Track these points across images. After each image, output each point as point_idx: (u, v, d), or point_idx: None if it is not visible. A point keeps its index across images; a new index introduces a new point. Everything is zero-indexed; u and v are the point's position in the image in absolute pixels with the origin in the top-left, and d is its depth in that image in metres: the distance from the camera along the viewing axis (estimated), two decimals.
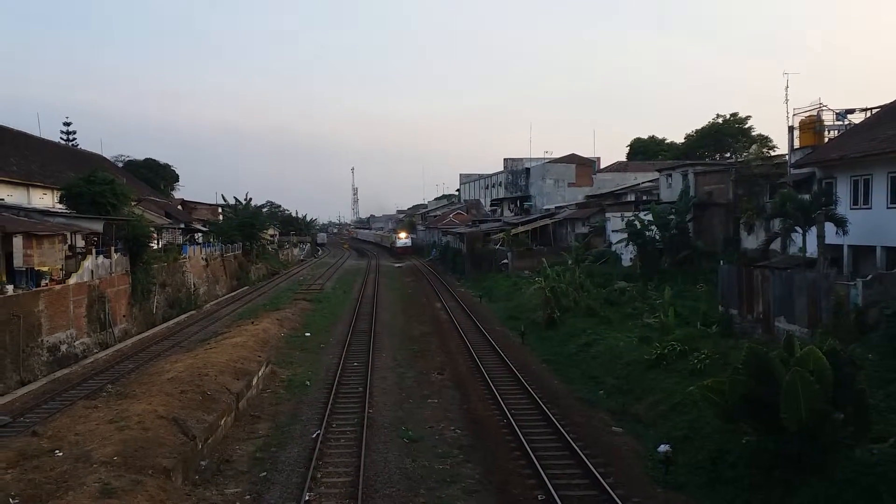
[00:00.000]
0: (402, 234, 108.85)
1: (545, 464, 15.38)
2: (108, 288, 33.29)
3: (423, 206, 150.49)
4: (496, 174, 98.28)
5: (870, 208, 23.83)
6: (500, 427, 18.69)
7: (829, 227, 23.41)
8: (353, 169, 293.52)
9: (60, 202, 37.51)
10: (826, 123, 28.75)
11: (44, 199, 39.55)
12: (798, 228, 24.60)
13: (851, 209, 24.28)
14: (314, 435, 17.88)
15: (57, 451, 13.81)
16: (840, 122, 28.90)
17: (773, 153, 48.71)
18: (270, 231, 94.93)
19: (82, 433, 14.95)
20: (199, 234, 62.09)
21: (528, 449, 16.30)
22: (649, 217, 37.34)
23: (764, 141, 71.96)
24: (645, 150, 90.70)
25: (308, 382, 23.94)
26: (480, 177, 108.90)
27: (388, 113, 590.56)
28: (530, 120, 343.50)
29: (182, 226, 58.06)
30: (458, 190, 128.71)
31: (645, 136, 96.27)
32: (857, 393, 12.80)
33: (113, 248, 34.88)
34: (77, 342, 29.64)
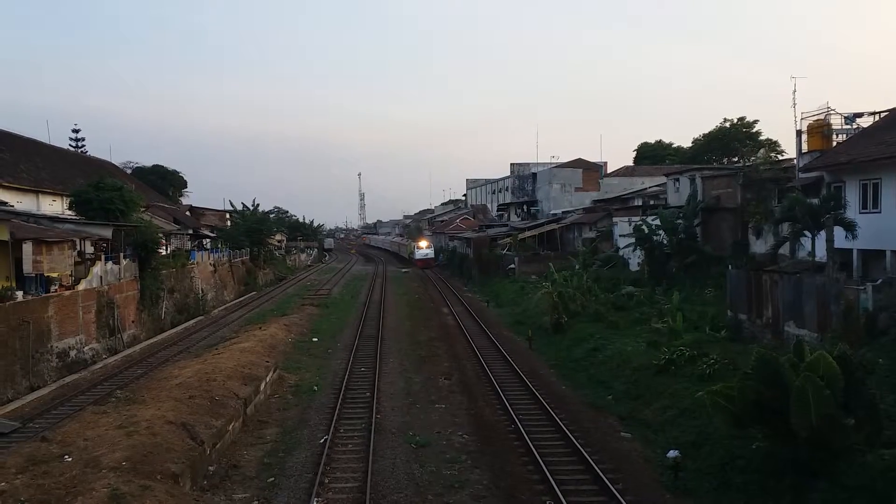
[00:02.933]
0: (423, 243, 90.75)
1: (553, 469, 15.33)
2: (116, 294, 33.45)
3: (430, 210, 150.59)
4: (503, 179, 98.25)
5: (879, 212, 23.69)
6: (507, 432, 18.65)
7: (839, 232, 23.27)
8: (359, 174, 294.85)
9: (70, 208, 37.77)
10: (834, 127, 28.59)
11: (53, 206, 39.83)
12: (807, 233, 24.46)
13: (861, 213, 24.14)
14: (322, 440, 17.88)
15: (66, 457, 13.86)
16: (848, 126, 28.75)
17: (781, 157, 48.50)
18: (278, 236, 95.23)
19: (91, 438, 15.01)
20: (207, 240, 62.32)
21: (537, 454, 16.26)
22: (657, 222, 37.24)
23: (772, 145, 71.68)
24: (652, 155, 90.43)
25: (316, 387, 23.97)
26: (487, 182, 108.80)
27: (395, 118, 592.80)
28: (537, 124, 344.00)
29: (190, 231, 58.29)
30: (464, 195, 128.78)
31: (652, 141, 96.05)
32: (867, 398, 12.71)
33: (122, 254, 35.06)
34: (86, 348, 29.78)
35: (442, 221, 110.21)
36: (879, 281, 19.35)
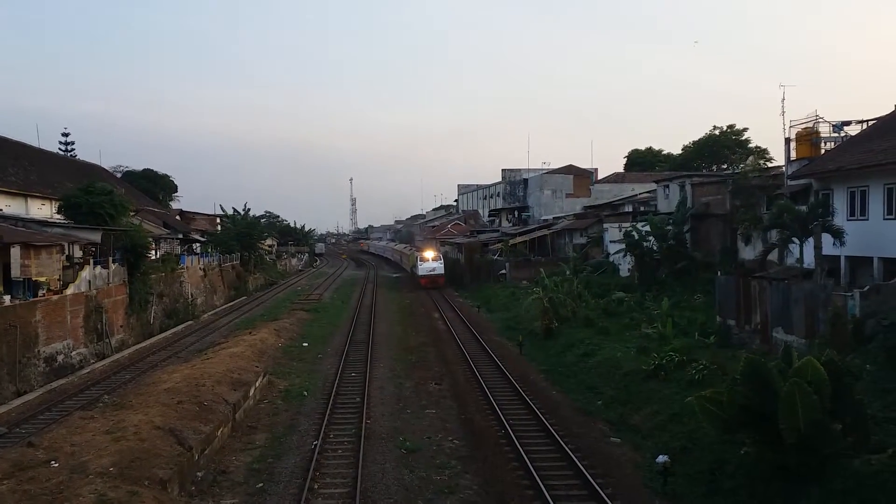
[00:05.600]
0: (429, 253, 67.63)
1: (543, 475, 15.33)
2: (105, 298, 33.24)
3: (422, 216, 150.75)
4: (494, 185, 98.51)
5: (867, 219, 23.92)
6: (498, 437, 18.63)
7: (827, 238, 23.47)
8: (351, 179, 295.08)
9: (59, 213, 37.52)
10: (823, 135, 28.89)
11: (42, 210, 39.57)
12: (795, 239, 24.66)
13: (848, 220, 24.37)
14: (312, 445, 17.81)
15: (53, 463, 13.75)
16: (836, 134, 29.04)
17: (769, 164, 48.93)
18: (268, 241, 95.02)
19: (78, 444, 14.89)
20: (198, 245, 62.09)
21: (526, 459, 16.26)
22: (647, 228, 37.46)
23: (761, 152, 72.31)
24: (642, 162, 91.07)
25: (305, 393, 23.88)
26: (479, 187, 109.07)
27: (387, 123, 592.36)
28: (528, 131, 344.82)
29: (180, 236, 58.07)
30: (456, 200, 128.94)
31: (642, 148, 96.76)
32: (855, 403, 12.81)
33: (111, 259, 34.87)
34: (74, 353, 29.56)
35: (433, 227, 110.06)
36: (867, 287, 19.50)
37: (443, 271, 64.77)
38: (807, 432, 12.09)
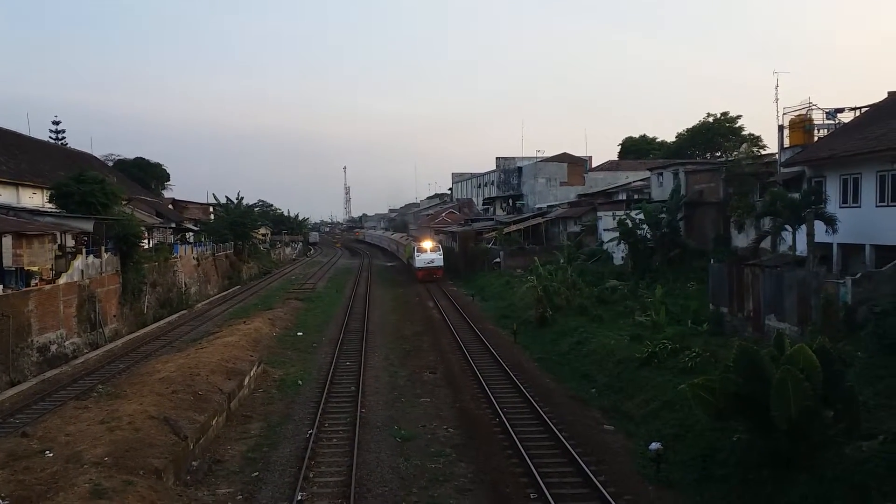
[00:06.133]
0: (427, 244, 63.13)
1: (537, 462, 15.43)
2: (98, 288, 33.11)
3: (416, 204, 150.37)
4: (488, 173, 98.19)
5: (859, 207, 23.96)
6: (492, 426, 18.72)
7: (819, 226, 23.52)
8: (345, 168, 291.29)
9: (50, 201, 37.29)
10: (816, 122, 28.90)
11: (33, 199, 39.31)
12: (788, 227, 24.72)
13: (841, 207, 24.41)
14: (307, 434, 17.85)
15: (47, 452, 13.74)
16: (829, 121, 29.05)
17: (763, 152, 48.91)
18: (262, 230, 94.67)
19: (73, 434, 14.88)
20: (191, 234, 61.86)
21: (521, 447, 16.34)
22: (640, 216, 37.49)
23: (754, 140, 72.15)
24: (636, 149, 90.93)
25: (300, 382, 23.91)
26: (472, 176, 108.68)
27: (381, 112, 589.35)
28: (522, 119, 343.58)
29: (173, 225, 57.79)
30: (450, 189, 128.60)
31: (636, 135, 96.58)
32: (846, 390, 12.89)
33: (103, 248, 34.70)
34: (67, 342, 29.48)
35: (428, 215, 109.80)
36: (859, 275, 19.59)
37: (442, 263, 60.63)
38: (798, 419, 12.17)
